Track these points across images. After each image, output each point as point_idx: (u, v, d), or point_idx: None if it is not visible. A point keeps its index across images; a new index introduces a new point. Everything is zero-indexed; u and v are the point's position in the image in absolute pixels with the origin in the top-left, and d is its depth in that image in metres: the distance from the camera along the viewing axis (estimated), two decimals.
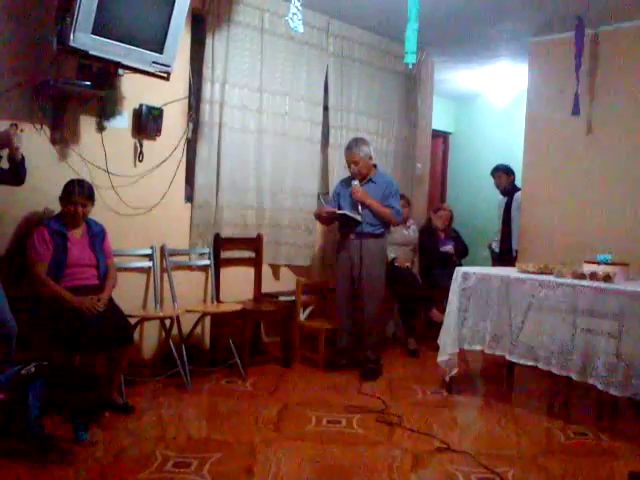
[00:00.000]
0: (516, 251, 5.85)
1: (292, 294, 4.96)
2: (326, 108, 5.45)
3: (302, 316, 5.03)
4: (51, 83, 3.61)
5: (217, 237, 4.69)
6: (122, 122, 4.15)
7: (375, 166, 4.73)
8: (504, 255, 6.05)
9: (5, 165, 3.38)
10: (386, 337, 5.43)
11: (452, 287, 4.24)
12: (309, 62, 5.24)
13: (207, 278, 4.73)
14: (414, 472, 3.02)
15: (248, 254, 4.94)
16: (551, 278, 3.85)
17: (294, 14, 3.54)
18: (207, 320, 4.66)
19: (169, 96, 4.35)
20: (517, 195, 6.04)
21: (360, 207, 4.53)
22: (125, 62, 3.68)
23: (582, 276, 3.79)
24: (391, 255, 5.32)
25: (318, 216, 4.88)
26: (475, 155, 8.20)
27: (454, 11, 4.98)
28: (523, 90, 5.98)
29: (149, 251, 4.35)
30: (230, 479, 2.85)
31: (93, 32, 3.39)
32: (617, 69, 5.09)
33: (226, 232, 4.75)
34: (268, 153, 4.97)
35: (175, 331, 4.28)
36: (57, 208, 3.68)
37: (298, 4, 3.52)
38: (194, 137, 4.61)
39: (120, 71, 3.88)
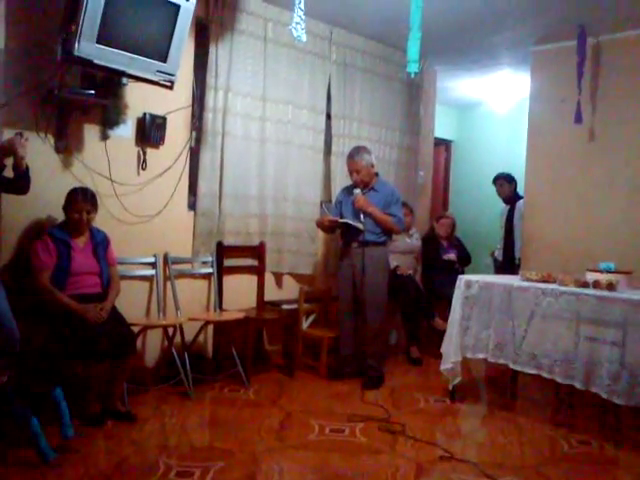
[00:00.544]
0: (519, 259, 5.85)
1: (295, 302, 4.96)
2: (329, 116, 5.47)
3: (305, 324, 5.03)
4: (55, 92, 3.63)
5: (220, 245, 4.70)
6: (126, 130, 4.17)
7: (377, 174, 4.73)
8: (507, 263, 6.04)
9: (10, 174, 3.39)
10: (389, 345, 5.42)
11: (455, 295, 4.24)
12: (312, 70, 5.26)
13: (210, 286, 4.73)
14: None
15: (251, 262, 4.94)
16: (554, 286, 3.85)
17: (297, 23, 3.55)
18: (210, 328, 4.65)
19: (173, 105, 4.36)
20: (519, 203, 6.04)
21: (362, 215, 4.53)
22: (129, 71, 3.70)
23: (585, 284, 3.78)
24: (393, 263, 5.32)
25: (320, 224, 4.88)
26: (477, 163, 8.21)
27: (456, 20, 5.00)
28: (525, 98, 5.99)
29: (152, 259, 4.35)
30: None
31: (97, 41, 3.40)
32: (619, 77, 5.10)
33: (229, 240, 4.75)
34: (271, 161, 4.98)
35: (178, 339, 4.28)
36: (60, 216, 3.69)
37: (301, 13, 3.53)
38: (197, 145, 4.62)
39: (124, 80, 3.90)
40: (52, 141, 3.82)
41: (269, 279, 5.10)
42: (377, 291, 4.59)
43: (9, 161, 3.33)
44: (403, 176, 6.13)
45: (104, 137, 4.06)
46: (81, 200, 3.61)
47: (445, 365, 4.21)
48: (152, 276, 4.36)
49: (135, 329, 3.83)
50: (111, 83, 3.89)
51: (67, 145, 3.88)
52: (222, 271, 4.73)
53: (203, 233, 4.63)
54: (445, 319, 4.53)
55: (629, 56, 5.05)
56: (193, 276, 4.64)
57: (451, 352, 4.18)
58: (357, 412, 3.92)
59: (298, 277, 5.31)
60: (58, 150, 3.85)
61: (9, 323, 3.15)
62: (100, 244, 3.72)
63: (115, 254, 3.87)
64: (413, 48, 3.67)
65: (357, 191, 4.58)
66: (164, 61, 3.76)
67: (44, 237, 3.52)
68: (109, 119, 4.04)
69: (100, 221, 3.79)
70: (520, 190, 6.13)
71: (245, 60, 4.75)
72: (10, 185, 3.39)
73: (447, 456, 3.27)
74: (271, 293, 5.09)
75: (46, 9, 3.66)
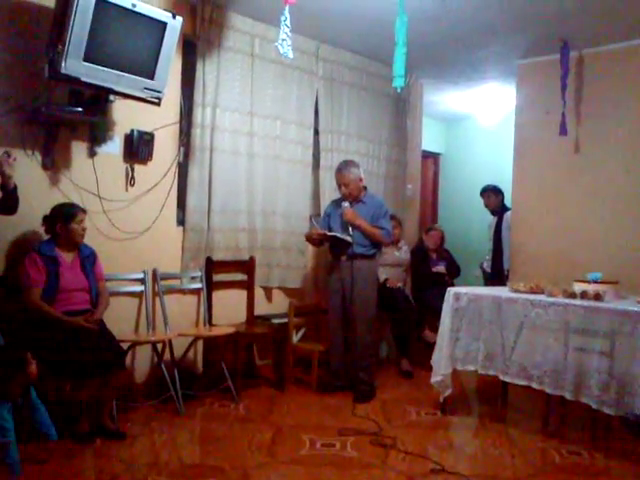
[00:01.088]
0: (507, 270, 5.88)
1: (285, 316, 4.95)
2: (317, 131, 5.50)
3: (295, 338, 5.03)
4: (43, 109, 3.63)
5: (209, 260, 4.69)
6: (113, 147, 4.17)
7: (365, 188, 4.76)
8: (496, 275, 6.07)
9: None
10: (379, 358, 5.42)
11: (444, 307, 4.25)
12: (299, 86, 5.29)
13: (199, 301, 4.72)
14: None
15: (240, 277, 4.94)
16: (542, 297, 3.87)
17: (284, 40, 3.58)
18: (200, 344, 4.64)
19: (160, 121, 4.38)
20: (507, 215, 6.09)
21: (350, 228, 4.55)
22: (116, 88, 3.71)
23: (573, 295, 3.81)
24: (383, 276, 5.34)
25: (309, 238, 4.89)
26: (465, 175, 8.27)
27: (442, 34, 5.05)
28: (512, 111, 6.05)
29: (141, 275, 4.34)
30: None
31: (85, 59, 3.41)
32: (602, 89, 5.17)
33: (218, 255, 4.75)
34: (259, 176, 5.00)
35: (167, 355, 4.26)
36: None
37: (287, 30, 3.56)
38: (185, 161, 4.64)
39: (111, 97, 3.91)
40: (39, 158, 3.82)
41: (259, 293, 5.10)
42: (366, 304, 4.60)
43: None
44: (391, 189, 6.16)
45: (92, 154, 4.06)
46: (81, 212, 3.65)
47: (435, 377, 4.21)
48: (141, 292, 4.35)
49: (124, 345, 3.81)
50: (98, 100, 3.89)
51: (54, 162, 3.88)
52: (211, 286, 4.72)
53: (192, 248, 4.62)
54: (435, 331, 4.54)
55: (611, 69, 5.12)
56: (182, 291, 4.63)
57: (441, 364, 4.18)
58: (348, 426, 3.91)
59: (288, 291, 5.31)
60: (45, 167, 3.85)
61: None
62: (88, 259, 3.71)
63: (103, 269, 3.86)
64: (399, 63, 3.70)
65: (346, 204, 4.60)
66: (151, 78, 3.78)
67: (32, 254, 3.50)
68: (97, 136, 4.05)
69: (88, 237, 3.78)
70: (507, 202, 6.17)
71: (232, 76, 4.78)
72: None
73: (439, 469, 3.26)
74: (261, 307, 5.09)
75: (33, 27, 3.68)
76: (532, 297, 3.91)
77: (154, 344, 4.25)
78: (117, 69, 3.59)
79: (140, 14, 3.58)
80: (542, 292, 3.98)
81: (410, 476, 3.20)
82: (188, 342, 4.40)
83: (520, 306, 3.91)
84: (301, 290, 5.39)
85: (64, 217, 3.60)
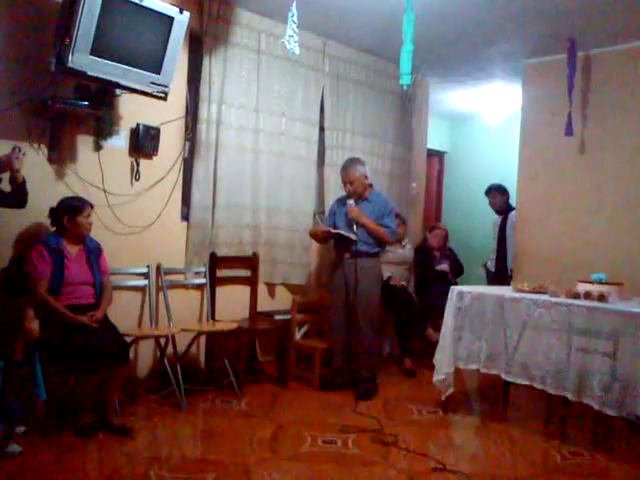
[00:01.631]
0: (511, 270, 5.87)
1: (288, 313, 4.96)
2: (322, 128, 5.50)
3: (298, 335, 5.03)
4: (49, 103, 3.64)
5: (213, 256, 4.70)
6: (119, 141, 4.18)
7: (371, 185, 4.76)
8: (499, 274, 6.07)
9: (6, 188, 3.40)
10: (381, 356, 5.42)
11: (447, 306, 4.24)
12: (305, 83, 5.29)
13: (203, 297, 4.73)
14: None
15: (244, 273, 4.94)
16: (546, 297, 3.87)
17: (290, 36, 3.58)
18: (202, 339, 4.64)
19: (166, 116, 4.38)
20: (512, 214, 6.08)
21: (355, 226, 4.55)
22: (123, 82, 3.71)
23: (577, 295, 3.80)
24: (386, 274, 5.33)
25: (313, 235, 4.89)
26: (470, 174, 8.25)
27: (449, 33, 5.05)
28: (517, 110, 6.04)
29: (145, 270, 4.35)
30: None
31: (91, 53, 3.42)
32: (609, 90, 5.15)
33: (222, 251, 4.76)
34: (264, 173, 5.00)
35: (170, 350, 4.27)
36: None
37: (294, 26, 3.56)
38: (191, 156, 4.64)
39: (118, 91, 3.93)
40: (45, 152, 3.83)
41: (262, 290, 5.11)
42: (370, 302, 4.60)
43: (5, 174, 3.35)
44: (396, 187, 6.16)
45: (97, 148, 4.07)
46: (88, 206, 3.67)
47: (438, 376, 4.21)
48: (145, 286, 4.35)
49: (127, 339, 3.82)
50: (105, 94, 3.91)
51: (60, 156, 3.89)
52: (215, 282, 4.73)
53: (196, 244, 4.63)
54: (437, 330, 4.53)
55: (619, 69, 5.11)
56: (186, 287, 4.64)
57: (444, 363, 4.18)
58: (350, 423, 3.91)
59: (291, 288, 5.31)
60: (51, 161, 3.86)
61: None
62: (93, 253, 3.72)
63: (107, 263, 3.87)
64: (405, 61, 3.70)
65: (351, 202, 4.60)
66: (158, 73, 3.78)
67: (38, 246, 3.51)
68: (102, 130, 4.05)
69: (93, 231, 3.78)
70: (512, 201, 6.16)
71: (239, 72, 4.78)
72: (7, 199, 3.41)
73: (440, 467, 3.27)
74: (264, 304, 5.09)
75: (40, 21, 3.68)
76: (535, 297, 3.90)
77: (157, 338, 4.27)
78: (124, 63, 3.60)
79: (147, 8, 3.59)
80: (546, 292, 3.97)
81: (411, 474, 3.20)
82: (191, 337, 4.41)
83: (523, 306, 3.90)
84: (304, 287, 5.39)
85: (71, 210, 3.60)
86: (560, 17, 4.59)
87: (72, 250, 3.64)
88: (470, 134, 8.52)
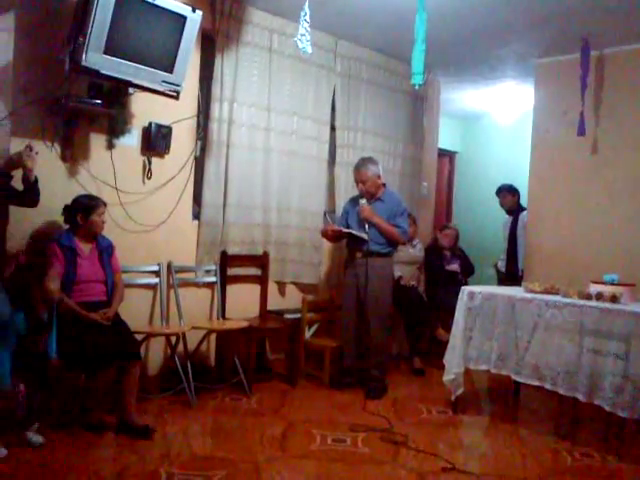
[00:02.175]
0: (522, 270, 5.85)
1: (298, 312, 4.97)
2: (333, 127, 5.50)
3: (308, 334, 5.04)
4: (63, 102, 3.67)
5: (224, 254, 4.71)
6: (131, 140, 4.20)
7: (384, 185, 4.75)
8: (510, 274, 6.05)
9: (19, 186, 3.43)
10: (391, 356, 5.42)
11: (458, 306, 4.24)
12: (317, 82, 5.29)
13: (213, 295, 4.75)
14: None
15: (254, 271, 4.95)
16: (557, 298, 3.86)
17: (303, 35, 3.59)
18: (213, 337, 4.66)
19: (178, 114, 4.39)
20: (522, 215, 6.05)
21: (367, 226, 4.55)
22: (136, 81, 3.74)
23: (589, 296, 3.79)
24: (397, 274, 5.32)
25: (325, 234, 4.90)
26: (481, 174, 8.23)
27: (461, 33, 5.03)
28: (529, 110, 6.01)
29: (156, 268, 4.37)
30: None
31: (105, 52, 3.44)
32: (622, 90, 5.12)
33: (232, 249, 4.77)
34: (275, 171, 5.01)
35: (181, 348, 4.28)
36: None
37: (307, 25, 3.57)
38: (202, 155, 4.65)
39: (130, 90, 3.94)
40: (58, 150, 3.85)
41: (272, 288, 5.11)
42: (381, 302, 4.60)
43: (17, 172, 3.37)
44: (407, 187, 6.15)
45: (110, 146, 4.09)
46: (102, 204, 3.69)
47: (448, 376, 4.21)
48: (156, 284, 4.37)
49: (138, 337, 3.84)
50: (117, 93, 3.93)
51: (73, 154, 3.91)
52: (225, 280, 4.74)
53: (207, 242, 4.65)
54: (448, 330, 4.53)
55: (632, 69, 5.07)
56: (196, 285, 4.66)
57: (454, 363, 4.18)
58: (359, 422, 3.91)
59: (301, 286, 5.32)
60: (64, 159, 3.88)
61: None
62: (105, 251, 3.74)
63: (119, 262, 3.89)
64: (417, 60, 3.70)
65: (363, 201, 4.60)
66: (170, 72, 3.79)
67: (52, 244, 3.54)
68: (115, 128, 4.07)
69: (105, 229, 3.80)
70: (523, 201, 6.14)
71: (250, 71, 4.79)
72: (20, 198, 3.44)
73: (449, 467, 3.26)
74: (274, 302, 5.10)
75: (54, 21, 3.70)
76: (547, 298, 3.89)
77: (168, 336, 4.29)
78: (137, 62, 3.61)
79: (161, 7, 3.60)
80: (557, 293, 3.97)
81: (421, 473, 3.20)
82: (201, 335, 4.43)
83: (535, 306, 3.89)
84: (315, 286, 5.39)
85: (85, 209, 3.63)
86: (572, 17, 4.57)
87: (85, 248, 3.66)
88: (481, 134, 8.49)
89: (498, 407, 4.55)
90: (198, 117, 4.61)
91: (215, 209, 4.65)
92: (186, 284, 4.56)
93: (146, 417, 3.73)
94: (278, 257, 5.09)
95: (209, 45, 4.61)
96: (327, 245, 5.36)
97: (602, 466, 3.44)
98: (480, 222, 7.88)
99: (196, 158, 4.63)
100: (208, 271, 4.67)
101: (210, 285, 4.72)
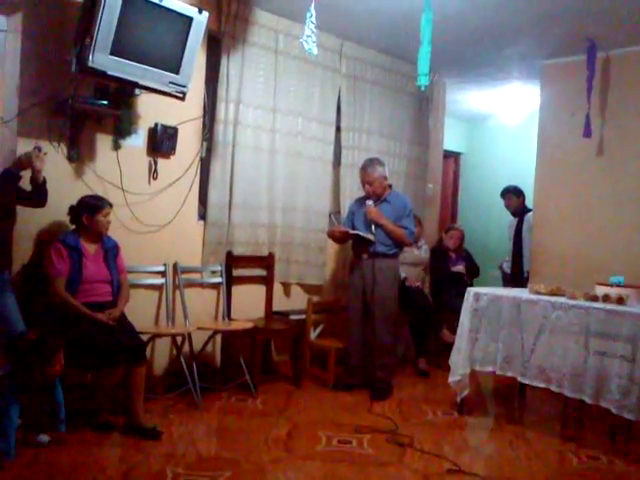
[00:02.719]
0: (527, 272, 5.84)
1: (303, 313, 4.97)
2: (338, 128, 5.50)
3: (313, 335, 5.04)
4: (69, 102, 3.68)
5: (229, 255, 4.72)
6: (137, 140, 4.21)
7: (390, 186, 4.75)
8: (515, 276, 6.04)
9: (27, 187, 3.44)
10: (397, 357, 5.41)
11: (463, 308, 4.23)
12: (322, 83, 5.29)
13: (219, 296, 4.75)
14: None
15: (259, 272, 4.96)
16: (563, 300, 3.85)
17: (308, 36, 3.58)
18: (218, 338, 4.66)
19: (184, 115, 4.40)
20: (528, 216, 6.05)
21: (373, 227, 4.55)
22: (142, 82, 3.74)
23: (595, 298, 3.78)
24: (402, 275, 5.32)
25: (331, 235, 4.90)
26: (486, 175, 8.21)
27: (466, 34, 5.03)
28: (535, 111, 6.00)
29: (162, 268, 4.37)
30: None
31: (111, 53, 3.44)
32: (628, 92, 5.11)
33: (238, 250, 4.78)
34: (280, 172, 5.01)
35: (186, 348, 4.29)
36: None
37: (313, 26, 3.56)
38: (208, 156, 4.66)
39: (136, 90, 3.96)
40: (65, 150, 3.86)
41: (277, 289, 5.12)
42: (387, 303, 4.59)
43: (26, 173, 3.39)
44: (412, 188, 6.14)
45: (116, 147, 4.10)
46: (107, 205, 3.69)
47: (453, 377, 4.20)
48: (161, 285, 4.38)
49: (144, 337, 3.84)
50: (124, 94, 3.95)
51: (79, 154, 3.92)
52: (231, 281, 4.75)
53: (212, 243, 4.65)
54: (453, 331, 4.52)
55: (638, 70, 5.05)
56: (202, 285, 4.66)
57: (459, 364, 4.17)
58: (365, 423, 3.91)
59: (306, 287, 5.32)
60: (71, 159, 3.89)
61: (14, 325, 3.22)
62: (110, 251, 3.75)
63: (125, 262, 3.89)
64: (423, 62, 3.69)
65: (369, 202, 4.59)
66: (176, 73, 3.80)
67: (57, 244, 3.54)
68: (121, 129, 4.08)
69: (111, 230, 3.81)
70: (529, 203, 6.12)
71: (256, 72, 4.80)
72: (28, 198, 3.46)
73: (455, 469, 3.26)
74: (280, 303, 5.11)
75: (61, 22, 3.72)
76: (553, 299, 3.88)
77: (174, 337, 4.30)
78: (143, 63, 3.61)
79: (167, 8, 3.60)
80: (563, 294, 3.95)
81: (426, 475, 3.20)
82: (207, 336, 4.44)
83: (540, 308, 3.88)
84: (320, 287, 5.39)
85: (91, 209, 3.63)
86: (578, 18, 4.55)
87: (90, 248, 3.67)
88: (486, 135, 8.48)
89: (504, 409, 4.54)
90: (204, 118, 4.62)
91: (221, 210, 4.66)
92: (192, 284, 4.56)
93: (152, 417, 3.74)
94: (283, 258, 5.09)
95: (215, 46, 4.62)
96: (332, 246, 5.36)
97: (609, 469, 3.43)
98: (485, 223, 7.87)
99: (202, 159, 4.64)
100: (214, 272, 4.68)
101: (216, 286, 4.72)
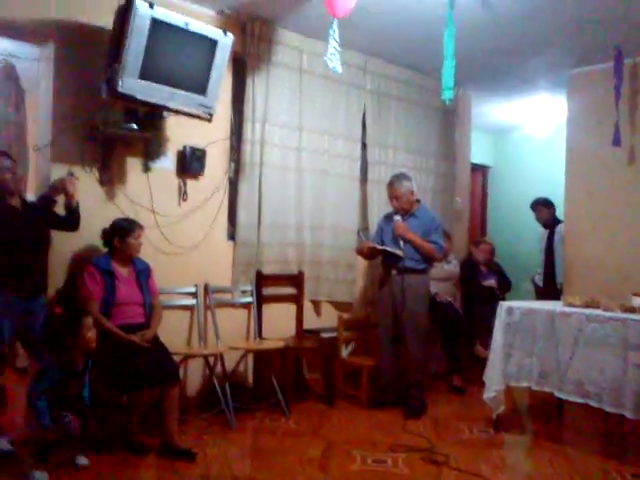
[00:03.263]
0: (560, 284, 5.74)
1: (334, 330, 4.95)
2: (364, 145, 5.51)
3: (344, 352, 5.01)
4: (100, 127, 3.75)
5: (259, 274, 4.73)
6: (167, 163, 4.26)
7: (418, 201, 4.72)
8: (548, 289, 5.94)
9: (61, 211, 3.51)
10: (430, 374, 5.35)
11: (496, 322, 4.17)
12: (347, 100, 5.31)
13: (249, 315, 4.75)
14: None
15: (289, 291, 4.96)
16: (599, 312, 3.76)
17: (332, 54, 3.60)
18: (250, 357, 4.67)
19: (212, 137, 4.45)
20: (559, 228, 5.95)
21: (402, 242, 4.52)
22: (170, 105, 3.80)
23: (631, 309, 3.69)
24: (432, 290, 5.27)
25: (360, 251, 4.88)
26: (515, 188, 8.12)
27: (491, 46, 5.01)
28: (562, 122, 5.94)
29: (193, 289, 4.40)
30: None
31: (140, 77, 3.52)
32: None
33: (267, 269, 4.79)
34: (308, 190, 5.03)
35: (219, 368, 4.30)
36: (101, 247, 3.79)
37: (336, 44, 3.59)
38: (236, 176, 4.70)
39: (165, 113, 4.01)
40: (97, 174, 3.94)
41: (308, 307, 5.11)
42: (418, 319, 4.54)
43: (60, 198, 3.46)
44: (440, 202, 6.11)
45: (146, 169, 4.16)
46: (138, 227, 3.74)
47: (488, 394, 4.13)
48: (193, 306, 4.40)
49: (177, 358, 3.86)
50: (153, 117, 4.00)
51: (111, 178, 4.00)
52: (261, 300, 4.75)
53: (242, 262, 4.67)
54: (486, 346, 4.46)
55: None
56: (233, 305, 4.67)
57: (494, 380, 4.10)
58: (399, 442, 3.86)
59: (337, 305, 5.30)
60: (102, 183, 3.97)
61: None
62: (142, 273, 3.79)
63: (157, 284, 3.93)
64: (447, 76, 3.69)
65: (397, 217, 4.57)
66: (203, 95, 3.86)
67: (90, 267, 3.60)
68: (151, 152, 4.14)
69: (142, 252, 3.85)
70: (559, 214, 6.04)
71: (281, 91, 4.84)
72: (62, 223, 3.54)
73: None
74: (310, 321, 5.09)
75: (91, 49, 3.81)
76: (588, 311, 3.80)
77: (206, 357, 4.30)
78: (171, 86, 3.69)
79: (193, 32, 3.68)
80: (598, 306, 3.87)
81: None
82: (239, 356, 4.45)
83: (575, 321, 3.80)
84: (350, 304, 5.37)
85: (122, 232, 3.68)
86: (605, 26, 4.51)
87: (122, 271, 3.71)
88: (514, 147, 8.40)
89: (541, 425, 4.44)
90: (231, 139, 4.67)
91: (250, 229, 4.68)
92: (223, 305, 4.58)
93: (186, 438, 3.73)
94: (312, 276, 5.08)
95: (240, 67, 4.68)
96: (361, 263, 5.34)
97: None
98: (515, 236, 7.77)
99: (230, 179, 4.68)
100: (244, 291, 4.69)
101: (246, 305, 4.73)
